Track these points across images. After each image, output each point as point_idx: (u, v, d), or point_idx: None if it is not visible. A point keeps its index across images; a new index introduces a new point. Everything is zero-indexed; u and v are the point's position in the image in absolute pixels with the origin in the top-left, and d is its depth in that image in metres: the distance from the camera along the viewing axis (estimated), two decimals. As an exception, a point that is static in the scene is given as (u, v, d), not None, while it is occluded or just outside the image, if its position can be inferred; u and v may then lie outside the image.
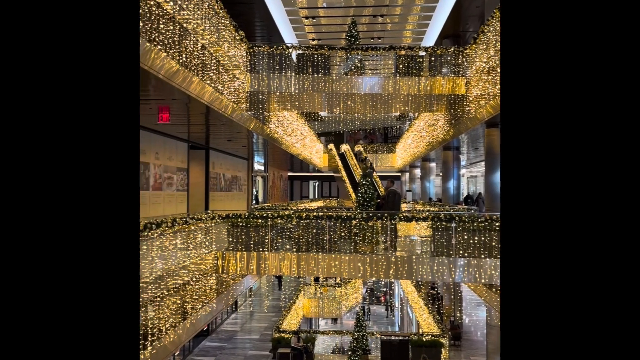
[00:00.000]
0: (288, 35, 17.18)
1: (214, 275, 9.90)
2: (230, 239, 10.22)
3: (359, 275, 9.83)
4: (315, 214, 10.49)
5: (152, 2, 6.16)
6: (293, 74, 11.04)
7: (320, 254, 9.81)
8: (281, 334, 17.20)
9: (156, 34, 6.31)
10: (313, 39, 19.43)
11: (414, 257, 9.53)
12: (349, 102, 12.24)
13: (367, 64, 11.75)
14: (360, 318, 16.93)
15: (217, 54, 8.95)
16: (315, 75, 11.00)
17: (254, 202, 23.76)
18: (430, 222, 9.58)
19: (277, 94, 11.20)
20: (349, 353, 16.59)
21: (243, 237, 10.21)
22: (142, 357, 6.07)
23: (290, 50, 11.24)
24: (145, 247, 6.62)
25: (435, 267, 9.19)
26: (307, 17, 17.05)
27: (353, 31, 13.93)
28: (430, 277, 9.52)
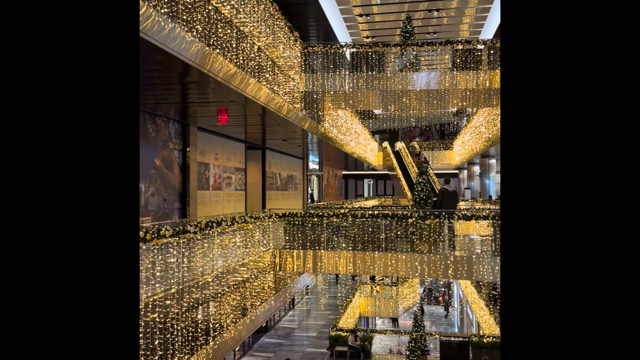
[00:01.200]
0: (342, 34, 17.18)
1: (271, 272, 10.09)
2: (287, 238, 10.37)
3: (417, 274, 9.67)
4: (370, 212, 10.43)
5: (210, 7, 6.35)
6: (347, 73, 11.03)
7: (376, 252, 9.75)
8: (338, 332, 17.25)
9: (215, 38, 6.50)
10: (367, 37, 19.32)
11: (473, 256, 9.26)
12: (404, 99, 12.07)
13: (422, 59, 11.54)
14: (419, 318, 16.67)
15: (273, 55, 9.09)
16: (370, 73, 10.93)
17: (309, 200, 23.96)
18: (492, 221, 9.27)
19: (331, 93, 11.23)
20: (407, 353, 16.38)
21: (299, 235, 10.32)
22: (204, 352, 6.28)
23: (344, 48, 11.23)
24: (207, 244, 6.84)
25: (497, 268, 8.88)
26: (360, 15, 16.97)
27: (408, 27, 13.72)
28: (491, 278, 9.21)
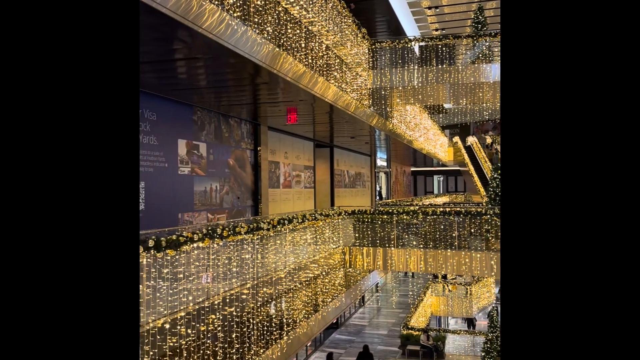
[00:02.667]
0: (410, 28, 16.87)
1: (341, 269, 10.14)
2: (357, 235, 10.36)
3: (492, 274, 9.32)
4: (442, 209, 10.18)
5: (280, 9, 6.47)
6: (416, 67, 10.82)
7: (448, 250, 9.50)
8: (410, 331, 17.01)
9: (284, 39, 6.62)
10: (436, 29, 18.84)
11: (554, 255, 8.76)
12: (477, 92, 11.64)
13: (495, 50, 11.07)
14: (495, 319, 16.06)
15: (341, 53, 9.11)
16: (440, 66, 10.65)
17: (378, 198, 23.79)
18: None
19: (400, 88, 11.07)
20: (482, 354, 15.84)
21: (369, 232, 10.28)
22: (279, 346, 6.43)
23: (413, 43, 11.03)
24: (279, 241, 7.00)
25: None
26: (429, 8, 16.58)
27: (479, 17, 13.22)
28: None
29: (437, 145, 22.24)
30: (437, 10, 16.85)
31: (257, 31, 5.82)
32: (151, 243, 4.07)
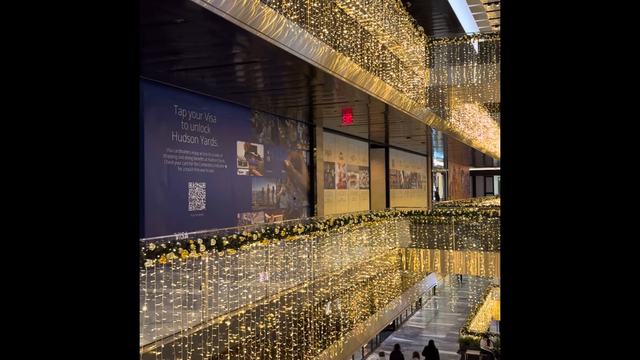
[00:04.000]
0: (468, 25, 16.41)
1: (398, 271, 10.01)
2: (413, 236, 10.20)
3: (558, 278, 8.87)
4: (503, 210, 9.81)
5: (336, 10, 6.49)
6: (475, 64, 10.51)
7: (511, 253, 9.14)
8: (469, 335, 16.55)
9: (340, 40, 6.63)
10: (496, 25, 18.21)
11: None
12: (540, 88, 11.13)
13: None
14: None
15: (397, 52, 9.01)
16: (500, 63, 10.28)
17: (434, 198, 23.31)
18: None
19: (458, 86, 10.79)
20: None
21: (426, 234, 10.10)
22: (335, 346, 6.45)
23: (472, 39, 10.72)
24: (335, 242, 7.02)
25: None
26: (488, 3, 16.06)
27: (542, 10, 12.61)
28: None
29: (498, 144, 21.48)
30: (497, 5, 16.29)
31: (314, 33, 5.87)
32: (213, 242, 4.20)
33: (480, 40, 10.72)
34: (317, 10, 6.00)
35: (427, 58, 10.62)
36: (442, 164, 25.38)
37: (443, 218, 10.02)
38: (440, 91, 11.02)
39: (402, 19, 8.97)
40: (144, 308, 3.76)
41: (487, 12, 16.81)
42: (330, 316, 6.59)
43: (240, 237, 4.54)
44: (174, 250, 3.83)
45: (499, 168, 33.93)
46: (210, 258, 4.29)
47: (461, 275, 24.90)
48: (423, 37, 10.35)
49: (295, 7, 5.47)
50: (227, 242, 4.33)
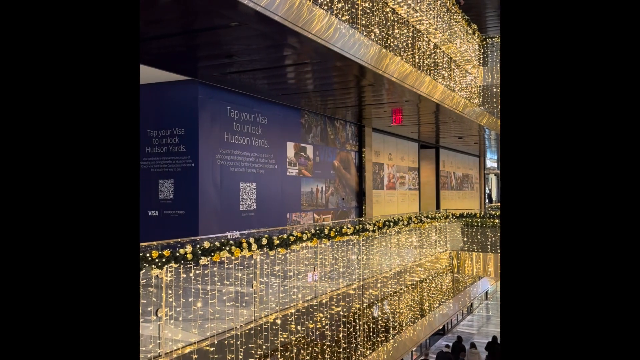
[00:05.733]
0: (523, 20, 15.84)
1: (449, 274, 9.80)
2: (465, 239, 9.96)
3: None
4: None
5: (387, 9, 6.44)
6: (531, 61, 10.13)
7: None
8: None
9: (391, 39, 6.57)
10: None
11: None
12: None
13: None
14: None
15: (449, 51, 8.82)
16: (558, 59, 9.85)
17: (487, 201, 22.64)
18: None
19: (513, 84, 10.43)
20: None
21: (478, 237, 9.83)
22: (384, 349, 6.39)
23: (528, 35, 10.33)
24: (384, 243, 6.96)
25: None
26: None
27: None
28: None
29: (554, 144, 20.62)
30: None
31: (364, 33, 5.85)
32: (264, 241, 4.26)
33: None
34: (368, 10, 5.97)
35: (481, 56, 10.34)
36: (495, 165, 24.63)
37: (496, 221, 9.72)
38: (495, 90, 10.71)
39: (454, 17, 8.77)
40: (199, 304, 3.87)
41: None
42: (379, 318, 6.53)
43: (291, 237, 4.59)
44: (227, 248, 3.92)
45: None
46: (262, 257, 4.35)
47: None
48: (476, 35, 10.09)
49: (347, 7, 5.47)
50: (277, 241, 4.39)
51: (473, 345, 14.46)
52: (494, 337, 14.75)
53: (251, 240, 4.13)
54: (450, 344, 14.61)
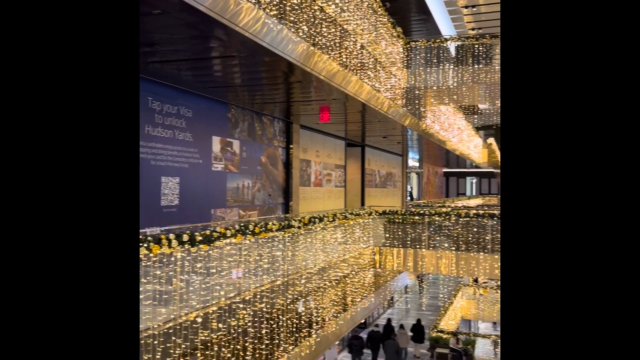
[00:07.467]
0: (446, 28, 16.62)
1: (371, 270, 10.08)
2: (387, 235, 10.29)
3: (526, 278, 9.08)
4: (475, 211, 9.99)
5: (316, 7, 6.47)
6: (451, 67, 10.65)
7: (481, 253, 9.32)
8: (439, 334, 16.80)
9: (319, 37, 6.62)
10: (472, 29, 18.49)
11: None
12: (514, 93, 11.36)
13: (534, 49, 10.76)
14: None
15: (375, 52, 9.05)
16: (476, 66, 10.45)
17: (409, 198, 23.55)
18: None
19: (434, 88, 10.92)
20: None
21: (399, 233, 10.19)
22: (307, 344, 6.45)
23: (449, 42, 10.85)
24: (309, 239, 7.02)
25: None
26: (466, 7, 16.29)
27: (518, 15, 12.82)
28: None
29: (471, 146, 21.83)
30: (474, 9, 16.54)
31: (293, 30, 5.84)
32: (186, 237, 4.14)
33: (457, 43, 10.86)
34: (296, 7, 5.97)
35: (405, 59, 10.71)
36: (417, 164, 25.65)
37: (416, 218, 10.13)
38: (417, 92, 11.13)
39: (381, 19, 9.01)
40: (113, 304, 3.68)
41: (464, 15, 17.05)
42: (303, 314, 6.59)
43: (214, 233, 4.49)
44: (145, 245, 3.76)
45: (472, 169, 34.51)
46: (183, 254, 4.23)
47: (421, 281, 25.24)
48: (401, 38, 10.43)
49: (275, 2, 5.44)
50: (200, 238, 4.28)
51: (402, 327, 16.29)
52: (418, 320, 16.99)
53: (171, 236, 4.00)
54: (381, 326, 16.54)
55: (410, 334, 16.75)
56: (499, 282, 20.51)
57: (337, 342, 13.85)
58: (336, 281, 8.14)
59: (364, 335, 16.53)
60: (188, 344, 4.24)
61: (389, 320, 16.72)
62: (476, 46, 10.47)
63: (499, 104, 13.33)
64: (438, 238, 9.99)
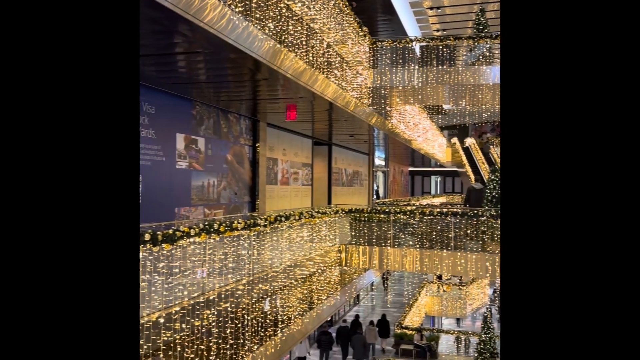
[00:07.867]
0: (411, 28, 16.86)
1: (337, 267, 10.14)
2: (353, 233, 10.36)
3: (487, 275, 9.33)
4: (439, 210, 10.18)
5: (282, 5, 6.45)
6: (416, 67, 10.81)
7: (444, 251, 9.51)
8: (404, 330, 17.06)
9: (286, 35, 6.60)
10: (437, 30, 18.83)
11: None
12: (476, 94, 11.65)
13: (496, 52, 11.07)
14: (488, 320, 16.11)
15: (342, 51, 9.09)
16: (440, 67, 10.64)
17: (375, 197, 23.80)
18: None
19: (400, 88, 11.07)
20: (475, 355, 15.89)
21: (365, 231, 10.28)
22: (273, 342, 6.43)
23: (414, 43, 11.02)
24: (275, 238, 6.99)
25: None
26: (431, 8, 16.57)
27: (481, 19, 13.20)
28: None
29: (436, 145, 22.25)
30: (439, 10, 16.85)
31: (259, 27, 5.80)
32: (147, 237, 4.06)
33: (422, 44, 11.04)
34: (262, 4, 5.94)
35: (371, 59, 10.80)
36: (383, 163, 25.94)
37: (382, 216, 10.24)
38: (383, 92, 11.25)
39: (347, 18, 9.06)
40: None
41: (430, 16, 17.34)
42: (269, 313, 6.56)
43: (177, 232, 4.42)
44: (105, 245, 3.66)
45: (436, 168, 35.16)
46: (144, 253, 4.14)
47: (386, 279, 25.61)
48: (367, 37, 10.52)
49: (240, -1, 5.39)
50: (162, 237, 4.20)
51: (372, 323, 17.33)
52: (383, 315, 18.06)
53: (133, 236, 3.91)
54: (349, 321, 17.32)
55: (376, 328, 17.43)
56: (461, 279, 20.98)
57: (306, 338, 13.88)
58: (302, 279, 8.14)
59: (332, 331, 16.75)
60: (150, 344, 4.16)
61: (356, 316, 17.18)
62: (440, 47, 10.66)
63: (463, 105, 13.63)
64: (403, 236, 10.14)
